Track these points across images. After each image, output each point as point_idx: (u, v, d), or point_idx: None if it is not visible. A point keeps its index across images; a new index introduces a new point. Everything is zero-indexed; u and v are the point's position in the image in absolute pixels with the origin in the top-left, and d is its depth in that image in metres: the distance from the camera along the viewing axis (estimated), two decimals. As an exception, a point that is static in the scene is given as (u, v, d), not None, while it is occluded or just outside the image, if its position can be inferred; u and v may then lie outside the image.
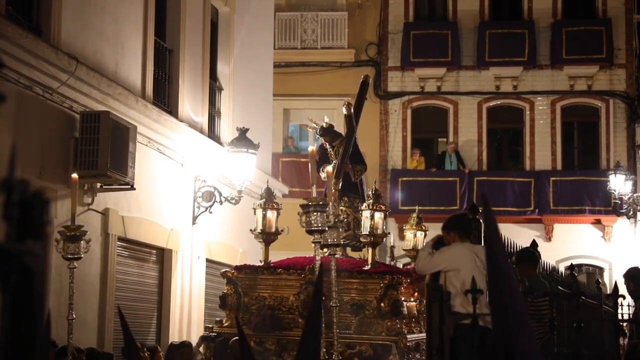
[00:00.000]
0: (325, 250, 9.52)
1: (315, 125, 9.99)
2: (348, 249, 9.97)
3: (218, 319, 9.89)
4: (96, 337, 10.42)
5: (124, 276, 11.30)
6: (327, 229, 7.41)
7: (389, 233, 9.68)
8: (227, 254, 14.18)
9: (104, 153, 9.82)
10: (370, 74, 22.22)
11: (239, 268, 9.48)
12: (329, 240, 7.75)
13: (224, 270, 9.88)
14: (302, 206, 7.42)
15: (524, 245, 9.38)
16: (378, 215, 9.03)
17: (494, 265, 2.60)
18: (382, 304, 8.65)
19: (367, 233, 9.00)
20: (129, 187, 10.54)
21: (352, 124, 9.90)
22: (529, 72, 22.21)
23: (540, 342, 7.57)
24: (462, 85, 22.35)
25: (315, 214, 7.22)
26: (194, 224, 13.19)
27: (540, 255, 8.93)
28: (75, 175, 7.99)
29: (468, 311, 6.46)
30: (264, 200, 9.45)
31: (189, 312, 12.88)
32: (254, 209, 9.65)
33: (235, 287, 9.21)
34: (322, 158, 9.93)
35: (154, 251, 12.22)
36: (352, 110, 9.89)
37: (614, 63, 21.98)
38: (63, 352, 8.14)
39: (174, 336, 12.11)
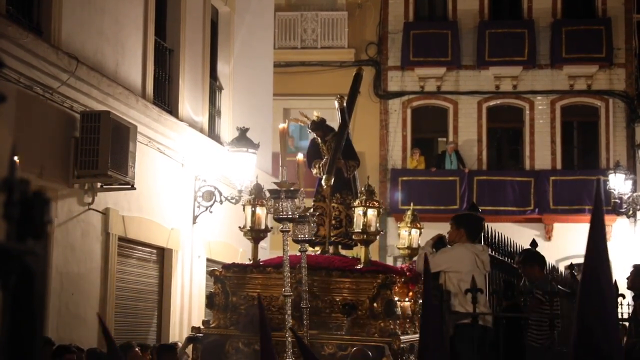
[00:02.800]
0: (316, 248, 9.39)
1: (306, 119, 9.63)
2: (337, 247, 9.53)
3: (205, 319, 9.53)
4: (96, 336, 10.43)
5: (124, 276, 11.32)
6: (297, 216, 7.06)
7: (382, 231, 9.28)
8: (227, 253, 14.19)
9: (104, 153, 9.83)
10: (370, 73, 22.34)
11: (226, 266, 9.10)
12: (299, 236, 7.37)
13: (212, 268, 9.56)
14: (270, 191, 7.05)
15: (524, 245, 9.40)
16: (371, 212, 8.65)
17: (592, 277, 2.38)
18: (375, 304, 8.31)
19: (360, 230, 8.62)
20: (129, 186, 10.55)
21: (344, 118, 9.52)
22: (529, 72, 22.21)
23: (547, 342, 7.59)
24: (462, 84, 22.35)
25: (286, 200, 6.82)
26: (194, 223, 13.20)
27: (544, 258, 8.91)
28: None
29: (467, 310, 6.48)
30: (252, 196, 9.09)
31: (189, 312, 12.89)
32: (243, 206, 9.32)
33: (223, 286, 8.85)
34: (314, 153, 9.56)
35: (155, 251, 12.23)
36: (344, 104, 9.51)
37: (613, 62, 21.98)
38: (62, 350, 8.14)
39: (174, 336, 12.11)
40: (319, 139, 9.60)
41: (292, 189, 6.99)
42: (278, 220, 7.07)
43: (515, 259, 9.11)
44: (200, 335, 8.73)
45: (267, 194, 7.26)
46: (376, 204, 8.76)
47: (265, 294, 8.68)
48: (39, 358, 1.62)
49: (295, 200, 6.94)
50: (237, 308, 8.77)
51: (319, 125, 9.60)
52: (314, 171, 9.46)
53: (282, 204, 6.89)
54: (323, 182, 9.25)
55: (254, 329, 8.43)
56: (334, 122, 9.83)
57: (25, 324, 1.57)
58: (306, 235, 7.44)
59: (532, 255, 8.53)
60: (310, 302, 8.35)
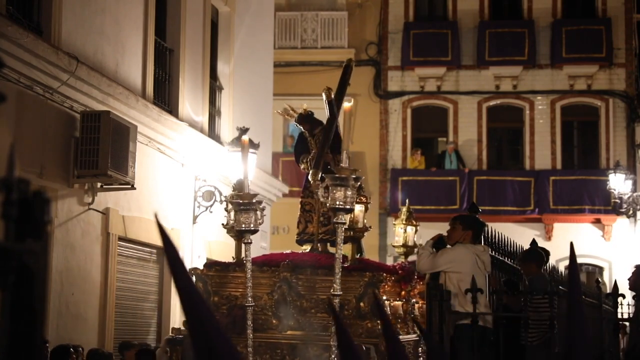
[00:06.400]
0: (305, 246, 9.16)
1: (292, 112, 9.21)
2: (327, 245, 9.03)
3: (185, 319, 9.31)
4: (97, 336, 10.43)
5: (124, 276, 11.32)
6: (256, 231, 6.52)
7: (369, 227, 8.99)
8: (227, 253, 14.18)
9: (105, 153, 9.83)
10: (370, 73, 22.35)
11: (208, 265, 8.74)
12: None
13: (193, 267, 9.19)
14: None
15: (524, 245, 9.41)
16: (358, 208, 8.29)
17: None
18: (361, 304, 8.00)
19: (347, 227, 8.13)
20: (130, 186, 10.55)
21: (332, 111, 8.91)
22: (529, 72, 22.21)
23: (539, 341, 7.59)
24: (462, 84, 22.35)
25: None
26: (194, 223, 13.19)
27: (548, 253, 8.91)
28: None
29: (467, 311, 6.49)
30: (235, 192, 8.69)
31: (189, 312, 12.88)
32: (226, 202, 8.98)
33: (205, 285, 8.45)
34: (302, 148, 9.18)
35: (155, 251, 12.23)
36: (332, 96, 9.01)
37: (613, 62, 21.98)
38: (59, 350, 8.14)
39: (174, 335, 12.11)
40: (306, 132, 9.21)
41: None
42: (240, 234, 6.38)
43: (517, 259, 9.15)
44: (181, 337, 8.39)
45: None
46: (363, 199, 8.42)
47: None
48: (40, 358, 1.62)
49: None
50: (219, 308, 8.42)
51: (306, 119, 9.21)
52: (302, 166, 9.09)
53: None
54: (310, 177, 8.83)
55: (236, 330, 8.15)
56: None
57: (25, 324, 1.57)
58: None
59: (530, 253, 8.56)
60: (295, 301, 8.15)
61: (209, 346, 1.69)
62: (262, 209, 6.79)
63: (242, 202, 6.57)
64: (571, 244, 2.27)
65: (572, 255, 2.21)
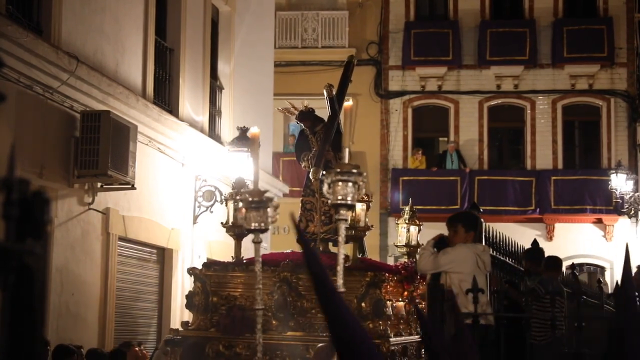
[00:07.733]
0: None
1: (293, 110, 9.11)
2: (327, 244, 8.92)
3: (184, 320, 9.09)
4: (97, 337, 10.42)
5: (124, 276, 11.30)
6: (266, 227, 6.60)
7: (371, 226, 8.89)
8: (228, 252, 14.16)
9: (105, 152, 9.81)
10: (371, 73, 22.33)
11: (207, 264, 8.58)
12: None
13: (191, 266, 9.08)
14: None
15: (525, 245, 9.42)
16: (359, 207, 8.12)
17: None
18: (363, 304, 7.87)
19: (348, 226, 7.74)
20: (130, 186, 10.53)
21: (334, 108, 8.81)
22: (530, 71, 22.20)
23: (547, 340, 7.60)
24: (463, 84, 22.33)
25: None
26: (194, 223, 13.18)
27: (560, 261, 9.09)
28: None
29: (469, 310, 6.46)
30: (235, 190, 8.53)
31: (189, 312, 12.86)
32: (225, 200, 8.84)
33: (203, 285, 8.29)
34: (303, 146, 9.05)
35: (155, 251, 12.22)
36: (333, 93, 8.87)
37: (615, 62, 21.96)
38: (60, 350, 8.12)
39: (175, 336, 12.09)
40: (307, 130, 9.07)
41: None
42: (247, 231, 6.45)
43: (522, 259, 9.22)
44: (179, 337, 8.26)
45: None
46: (365, 197, 8.30)
47: (248, 293, 8.15)
48: (39, 359, 1.60)
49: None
50: (218, 308, 8.24)
51: (307, 116, 9.07)
52: (303, 164, 8.99)
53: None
54: (311, 176, 8.76)
55: (235, 331, 8.03)
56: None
57: (25, 325, 1.55)
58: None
59: (552, 262, 8.76)
60: (295, 301, 8.05)
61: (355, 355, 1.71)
62: (276, 207, 6.68)
63: (253, 199, 6.50)
64: (627, 245, 2.28)
65: (627, 256, 2.19)
